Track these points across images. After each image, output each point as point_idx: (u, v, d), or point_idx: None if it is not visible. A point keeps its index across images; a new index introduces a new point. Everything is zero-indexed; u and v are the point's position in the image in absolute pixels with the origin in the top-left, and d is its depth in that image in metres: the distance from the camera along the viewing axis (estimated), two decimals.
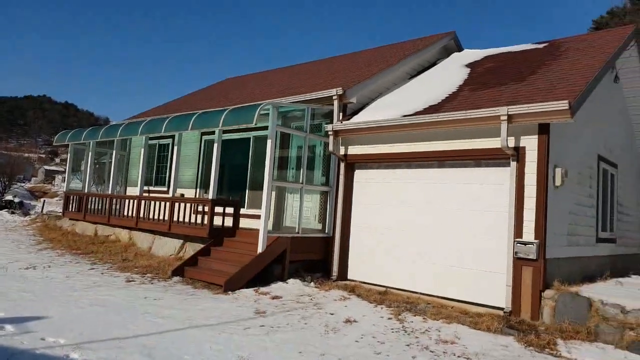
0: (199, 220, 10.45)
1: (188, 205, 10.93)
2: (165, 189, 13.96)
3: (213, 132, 10.55)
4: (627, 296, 6.80)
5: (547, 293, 6.99)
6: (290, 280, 8.93)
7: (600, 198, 9.64)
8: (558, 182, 7.51)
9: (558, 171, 7.51)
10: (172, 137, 13.32)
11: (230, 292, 8.20)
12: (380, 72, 10.93)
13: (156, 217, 11.62)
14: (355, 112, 10.19)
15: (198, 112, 10.87)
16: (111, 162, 14.76)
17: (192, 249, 10.83)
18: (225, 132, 11.04)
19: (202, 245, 10.18)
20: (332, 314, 6.99)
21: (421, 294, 8.38)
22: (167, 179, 14.21)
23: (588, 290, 7.09)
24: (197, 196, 13.13)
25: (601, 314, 6.33)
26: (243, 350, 5.17)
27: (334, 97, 9.97)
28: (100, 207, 13.96)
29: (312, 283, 8.99)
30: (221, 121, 9.61)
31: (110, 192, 13.81)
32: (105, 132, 13.70)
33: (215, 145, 10.27)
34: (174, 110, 14.44)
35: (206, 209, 10.24)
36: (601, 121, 9.86)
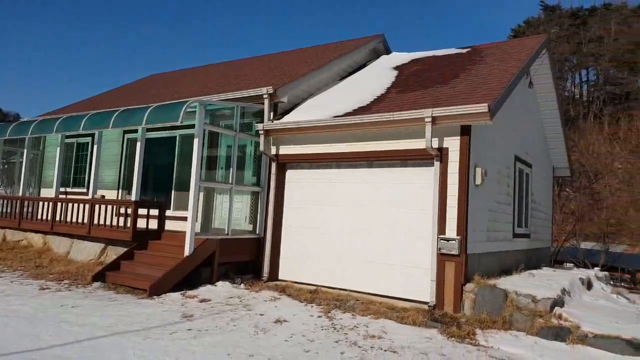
0: (121, 223, 9.97)
1: (110, 207, 10.39)
2: (84, 190, 13.16)
3: (136, 130, 10.09)
4: (538, 287, 7.31)
5: (468, 286, 7.34)
6: (220, 283, 8.75)
7: (516, 196, 10.26)
8: (478, 181, 7.90)
9: (478, 171, 7.90)
10: (92, 135, 12.59)
11: (155, 296, 7.89)
12: (312, 72, 10.98)
13: (74, 220, 10.95)
14: (287, 112, 10.17)
15: (120, 109, 10.37)
16: (22, 161, 13.70)
17: (114, 253, 10.31)
18: (149, 130, 10.61)
19: (125, 249, 9.72)
20: (262, 315, 6.93)
21: (351, 291, 8.52)
22: (86, 179, 13.42)
23: (504, 282, 7.53)
24: (120, 198, 12.53)
25: (515, 304, 6.76)
26: (169, 355, 4.99)
27: (264, 96, 9.89)
28: (9, 210, 12.93)
29: (242, 285, 8.87)
30: (145, 119, 9.23)
31: (21, 194, 12.85)
32: (15, 129, 12.71)
33: (139, 144, 9.84)
34: (94, 107, 13.67)
35: (129, 211, 9.79)
36: (517, 124, 10.50)
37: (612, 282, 11.70)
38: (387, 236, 8.49)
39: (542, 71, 11.33)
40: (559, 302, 6.81)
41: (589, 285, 9.04)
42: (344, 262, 8.91)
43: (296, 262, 9.54)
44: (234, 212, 9.76)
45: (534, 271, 9.36)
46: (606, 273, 11.58)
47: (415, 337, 6.07)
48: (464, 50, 12.04)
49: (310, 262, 9.33)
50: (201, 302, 7.68)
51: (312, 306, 7.52)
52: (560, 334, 6.03)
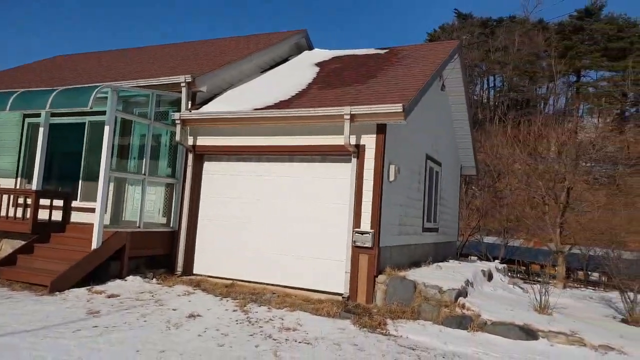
0: (19, 214, 9.19)
1: (6, 196, 9.53)
2: None
3: (38, 115, 9.33)
4: (444, 278, 7.78)
5: (380, 278, 7.63)
6: (130, 278, 8.36)
7: (426, 193, 10.80)
8: (392, 177, 8.22)
9: (392, 168, 8.21)
10: None
11: (58, 292, 7.37)
12: (234, 62, 10.79)
13: None
14: (206, 102, 9.92)
15: (19, 90, 9.53)
16: None
17: (10, 246, 9.47)
18: (54, 115, 9.84)
19: (23, 242, 8.98)
20: (174, 310, 6.72)
21: (268, 284, 8.52)
22: None
23: (414, 274, 7.93)
24: (19, 187, 11.55)
25: (424, 294, 7.14)
26: (71, 355, 4.69)
27: (182, 84, 9.56)
28: None
29: (154, 279, 8.55)
30: (49, 102, 8.55)
31: None
32: None
33: (42, 129, 9.09)
34: None
35: (29, 201, 9.04)
36: (429, 124, 11.04)
37: (509, 274, 12.73)
38: (305, 230, 8.58)
39: (454, 75, 11.97)
40: (462, 293, 7.29)
41: (489, 277, 9.76)
42: (261, 255, 8.89)
43: (212, 256, 9.37)
44: (146, 204, 9.37)
45: (441, 264, 9.92)
46: (505, 265, 12.57)
47: (329, 329, 6.21)
48: (383, 51, 12.42)
49: (227, 255, 9.20)
50: (109, 297, 7.29)
51: (227, 300, 7.43)
52: (463, 322, 6.47)
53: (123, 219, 10.05)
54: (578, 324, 6.60)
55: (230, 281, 8.71)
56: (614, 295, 10.62)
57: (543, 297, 7.21)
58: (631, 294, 7.91)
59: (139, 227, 9.05)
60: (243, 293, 7.84)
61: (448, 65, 11.00)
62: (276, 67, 12.30)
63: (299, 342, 5.60)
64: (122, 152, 10.23)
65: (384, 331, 6.24)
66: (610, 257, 9.38)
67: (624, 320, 7.67)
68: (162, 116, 9.94)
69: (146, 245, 9.04)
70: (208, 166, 9.78)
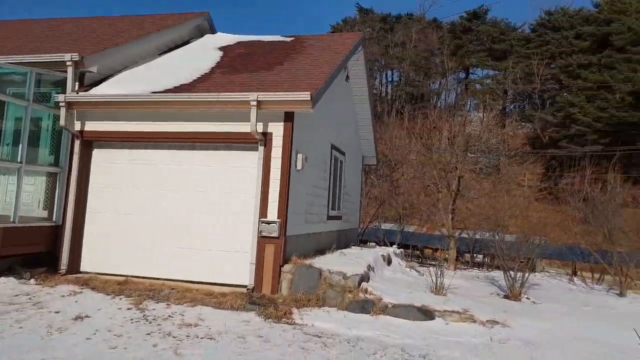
0: None
1: None
2: None
3: None
4: (347, 264, 7.93)
5: (286, 267, 7.58)
6: (2, 279, 7.39)
7: (331, 181, 10.92)
8: (299, 166, 8.16)
9: (300, 157, 8.16)
10: None
11: None
12: (129, 42, 9.99)
13: None
14: (96, 83, 9.09)
15: None
16: None
17: None
18: None
19: None
20: (57, 313, 6.06)
21: (166, 279, 8.06)
22: None
23: (319, 262, 7.98)
24: None
25: (329, 281, 7.21)
26: None
27: (68, 63, 8.61)
28: None
29: (32, 280, 7.66)
30: None
31: None
32: None
33: None
34: None
35: None
36: (334, 114, 11.14)
37: (406, 258, 13.40)
38: (208, 221, 8.24)
39: (358, 67, 12.19)
40: (365, 278, 7.47)
41: (389, 261, 10.15)
42: (159, 249, 8.38)
43: (103, 251, 8.65)
44: (23, 196, 8.34)
45: (344, 250, 10.13)
46: (402, 250, 13.22)
47: (233, 322, 6.03)
48: (289, 39, 12.27)
49: (120, 250, 8.55)
50: None
51: (120, 298, 6.92)
52: (366, 306, 6.65)
53: None
54: (469, 302, 7.16)
55: (124, 278, 8.10)
56: (497, 274, 11.73)
57: (438, 279, 7.66)
58: (512, 273, 8.77)
59: (13, 221, 8.00)
60: (139, 290, 7.34)
61: (353, 56, 11.15)
62: (176, 49, 11.64)
63: (202, 338, 5.36)
64: None
65: (290, 321, 6.19)
66: (495, 240, 10.29)
67: (506, 297, 8.57)
68: (44, 98, 8.94)
69: (23, 242, 8.06)
70: (98, 154, 9.00)
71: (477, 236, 17.62)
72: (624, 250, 13.26)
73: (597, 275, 14.74)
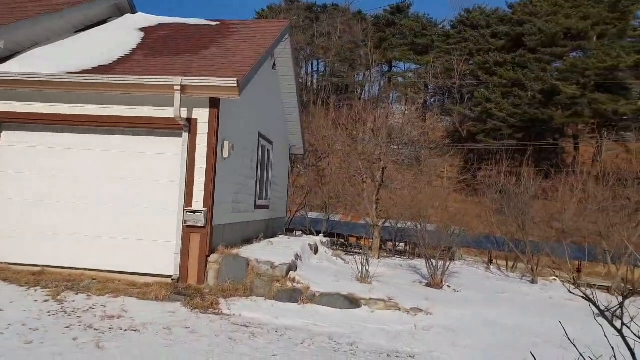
0: None
1: None
2: None
3: None
4: (275, 253, 8.00)
5: (213, 257, 7.51)
6: None
7: (259, 170, 10.90)
8: (226, 154, 8.07)
9: (226, 144, 8.06)
10: None
11: None
12: (40, 16, 9.23)
13: None
14: (4, 60, 8.38)
15: None
16: None
17: None
18: None
19: None
20: None
21: (86, 269, 7.69)
22: None
23: (247, 251, 7.98)
24: None
25: (256, 271, 7.24)
26: None
27: None
28: None
29: None
30: None
31: None
32: None
33: None
34: None
35: None
36: (262, 103, 11.09)
37: (332, 247, 13.68)
38: (130, 209, 7.93)
39: (285, 55, 12.16)
40: (293, 267, 7.59)
41: (315, 250, 10.33)
42: (77, 238, 7.95)
43: (15, 240, 8.06)
44: None
45: (272, 239, 10.18)
46: (328, 239, 13.47)
47: (158, 313, 5.93)
48: (214, 23, 11.97)
49: (34, 239, 8.01)
50: None
51: (36, 290, 6.56)
52: (294, 295, 6.76)
53: None
54: (393, 290, 7.47)
55: (40, 268, 7.63)
56: (419, 262, 12.28)
57: (364, 268, 7.92)
58: (434, 261, 9.21)
59: None
60: (56, 281, 6.98)
61: (280, 44, 11.11)
62: (93, 27, 10.97)
63: (125, 330, 5.23)
64: None
65: (217, 311, 6.19)
66: (418, 229, 10.75)
67: (428, 284, 8.95)
68: None
69: None
70: (7, 137, 8.32)
71: (400, 225, 18.32)
72: (536, 240, 14.18)
73: (511, 264, 15.80)
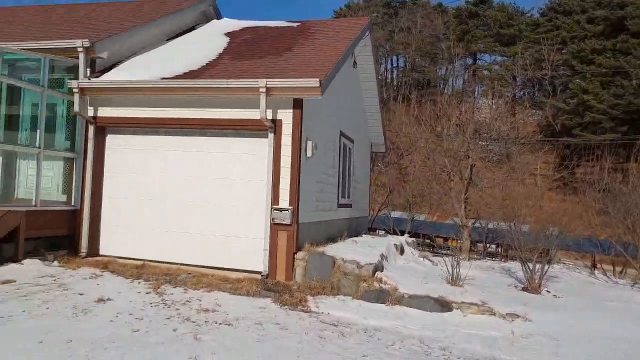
0: None
1: None
2: None
3: None
4: (360, 253, 7.97)
5: (299, 255, 7.64)
6: (27, 261, 7.57)
7: (341, 169, 10.94)
8: (309, 153, 8.18)
9: (309, 144, 8.17)
10: None
11: None
12: (137, 27, 9.97)
13: None
14: (107, 69, 9.11)
15: None
16: None
17: None
18: None
19: None
20: (81, 295, 6.21)
21: (182, 264, 8.17)
22: None
23: (332, 249, 8.02)
24: None
25: (342, 270, 7.25)
26: None
27: (79, 49, 8.61)
28: None
29: (55, 262, 7.84)
30: None
31: None
32: None
33: None
34: None
35: None
36: (343, 101, 11.11)
37: (418, 248, 13.33)
38: (221, 207, 8.31)
39: (365, 52, 12.09)
40: (379, 267, 7.52)
41: (401, 251, 10.16)
42: (174, 234, 8.48)
43: (120, 236, 8.77)
44: (43, 181, 8.45)
45: (356, 238, 10.16)
46: (414, 239, 13.16)
47: (249, 308, 6.12)
48: (295, 24, 12.17)
49: (137, 234, 8.66)
50: (3, 284, 6.53)
51: (139, 282, 7.04)
52: (381, 296, 6.68)
53: (16, 197, 9.03)
54: (486, 294, 7.09)
55: (142, 262, 8.22)
56: (512, 265, 11.55)
57: (454, 270, 7.61)
58: (530, 264, 8.57)
59: (35, 205, 8.16)
60: (156, 274, 7.46)
61: (360, 42, 11.06)
62: (183, 35, 11.60)
63: (220, 324, 5.45)
64: (10, 123, 9.08)
65: (305, 308, 6.27)
66: (511, 230, 10.12)
67: (524, 289, 8.28)
68: (58, 84, 8.97)
69: (45, 225, 8.23)
70: (112, 139, 9.06)
71: (491, 226, 17.43)
72: None
73: (619, 269, 14.33)
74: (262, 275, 7.62)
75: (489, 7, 48.77)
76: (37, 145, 8.35)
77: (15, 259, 7.58)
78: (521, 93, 47.76)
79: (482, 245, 19.24)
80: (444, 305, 6.52)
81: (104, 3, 14.12)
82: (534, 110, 40.34)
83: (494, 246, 19.25)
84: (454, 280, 7.59)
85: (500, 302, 6.76)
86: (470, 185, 16.42)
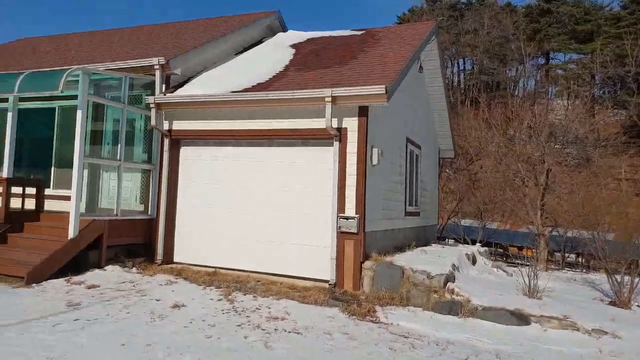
0: None
1: None
2: None
3: (5, 100, 8.84)
4: (430, 263, 7.74)
5: (367, 264, 7.56)
6: (109, 267, 8.09)
7: (407, 176, 10.76)
8: (375, 161, 8.11)
9: (375, 151, 8.10)
10: None
11: (35, 284, 7.05)
12: (206, 44, 10.42)
13: None
14: (180, 85, 9.57)
15: None
16: None
17: None
18: (22, 100, 9.34)
19: None
20: (158, 300, 6.52)
21: (251, 272, 8.37)
22: None
23: (400, 259, 7.87)
24: None
25: (412, 280, 7.08)
26: (53, 351, 4.48)
27: (155, 67, 9.16)
28: None
29: (134, 268, 8.30)
30: (17, 86, 8.07)
31: None
32: None
33: (10, 114, 8.63)
34: None
35: (0, 189, 8.62)
36: (409, 107, 10.95)
37: (491, 257, 12.75)
38: (288, 215, 8.43)
39: (431, 57, 11.87)
40: (450, 278, 7.27)
41: (473, 261, 9.76)
42: (243, 242, 8.71)
43: (193, 244, 9.13)
44: (123, 191, 9.02)
45: (425, 248, 9.91)
46: (486, 248, 12.62)
47: (318, 317, 6.12)
48: (359, 33, 12.20)
49: (208, 243, 8.98)
50: (89, 288, 7.02)
51: (211, 289, 7.26)
52: (454, 308, 6.45)
53: (99, 207, 9.68)
54: (569, 307, 6.59)
55: (213, 269, 8.51)
56: (597, 277, 10.67)
57: (532, 281, 7.18)
58: (618, 277, 7.87)
59: (116, 215, 8.73)
60: (227, 281, 7.67)
61: (426, 46, 10.89)
62: (250, 49, 11.96)
63: (289, 332, 5.50)
64: (95, 138, 9.79)
65: (374, 319, 6.18)
66: (595, 238, 9.37)
67: (612, 303, 7.58)
68: (136, 100, 9.55)
69: (124, 234, 8.76)
70: (185, 151, 9.48)
71: (570, 234, 16.42)
72: None
73: None
74: (329, 284, 7.63)
75: (562, 3, 46.35)
76: (118, 158, 8.92)
77: (99, 265, 8.12)
78: (601, 92, 44.73)
79: (560, 255, 18.05)
80: (521, 319, 6.16)
81: (176, 22, 14.91)
82: (616, 110, 37.50)
83: (573, 256, 18.01)
84: (532, 291, 7.15)
85: (584, 317, 6.26)
86: (546, 192, 15.46)
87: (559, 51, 47.17)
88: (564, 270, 14.14)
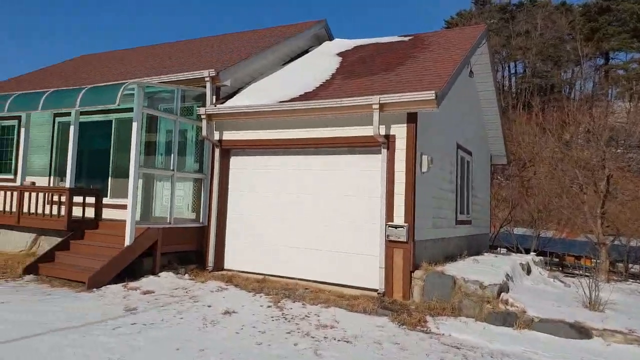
0: (54, 212, 9.27)
1: (41, 195, 9.65)
2: (10, 176, 12.11)
3: (68, 114, 9.39)
4: (483, 272, 7.50)
5: (417, 273, 7.42)
6: (163, 273, 8.36)
7: (458, 183, 10.52)
8: (424, 168, 7.97)
9: (424, 158, 7.97)
10: (18, 118, 11.58)
11: (95, 289, 7.41)
12: (255, 55, 10.64)
13: (0, 208, 10.11)
14: (230, 96, 9.81)
15: (49, 90, 9.56)
16: None
17: (47, 243, 9.59)
18: (82, 113, 9.89)
19: (59, 239, 9.07)
20: (209, 306, 6.67)
21: (299, 279, 8.41)
22: (12, 165, 12.39)
23: (451, 268, 7.68)
24: (52, 185, 11.65)
25: (464, 290, 6.88)
26: (113, 353, 4.67)
27: (206, 79, 9.44)
28: None
29: (186, 275, 8.53)
30: (78, 100, 8.55)
31: None
32: None
33: (72, 128, 9.15)
34: (18, 88, 12.56)
35: (63, 198, 9.12)
36: (459, 112, 10.73)
37: (547, 267, 12.24)
38: (335, 223, 8.42)
39: (482, 61, 11.57)
40: (504, 288, 7.02)
41: (528, 271, 9.38)
42: (291, 250, 8.77)
43: (242, 251, 9.30)
44: (175, 200, 9.33)
45: (477, 257, 9.63)
46: (542, 258, 12.10)
47: (367, 326, 6.06)
48: (407, 38, 12.10)
49: (257, 250, 9.12)
50: (144, 294, 7.28)
51: (260, 296, 7.35)
52: (508, 319, 6.21)
53: (153, 215, 10.07)
54: (634, 321, 6.21)
55: (262, 276, 8.62)
56: None
57: (593, 292, 6.82)
58: None
59: (169, 223, 9.03)
60: (276, 288, 7.74)
61: (476, 50, 10.64)
62: (297, 58, 12.10)
63: (338, 341, 5.47)
64: (149, 149, 10.22)
65: (425, 329, 6.05)
66: None
67: None
68: (187, 112, 9.88)
69: (177, 241, 9.03)
70: (235, 161, 9.68)
71: (633, 243, 15.49)
72: None
73: None
74: (378, 293, 7.54)
75: (623, 0, 44.17)
76: (172, 167, 9.24)
77: (153, 272, 8.41)
78: None
79: (623, 265, 17.01)
80: (581, 332, 5.85)
81: (226, 35, 15.33)
82: None
83: (638, 267, 16.93)
84: (593, 304, 6.77)
85: None
86: (607, 199, 14.61)
87: (619, 50, 44.91)
88: (627, 282, 13.34)
